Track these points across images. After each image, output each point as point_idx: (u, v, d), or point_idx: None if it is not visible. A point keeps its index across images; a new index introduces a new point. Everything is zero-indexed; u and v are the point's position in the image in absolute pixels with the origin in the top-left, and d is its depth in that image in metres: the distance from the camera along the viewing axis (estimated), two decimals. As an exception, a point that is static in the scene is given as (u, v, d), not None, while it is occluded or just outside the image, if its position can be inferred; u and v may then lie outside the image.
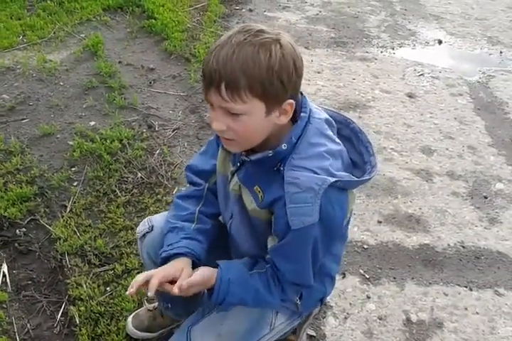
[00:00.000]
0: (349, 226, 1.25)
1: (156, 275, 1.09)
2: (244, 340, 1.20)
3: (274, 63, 0.95)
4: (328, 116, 1.13)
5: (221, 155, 1.22)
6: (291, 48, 0.98)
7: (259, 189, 1.09)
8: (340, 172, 1.04)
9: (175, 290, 1.07)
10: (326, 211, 1.02)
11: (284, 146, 1.04)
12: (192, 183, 1.33)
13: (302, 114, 1.06)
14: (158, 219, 1.35)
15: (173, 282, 1.10)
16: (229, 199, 1.21)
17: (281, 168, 1.04)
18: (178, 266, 1.14)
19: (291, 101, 1.02)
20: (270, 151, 1.04)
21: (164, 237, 1.24)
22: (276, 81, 0.96)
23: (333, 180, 1.01)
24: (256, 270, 1.14)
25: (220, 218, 1.34)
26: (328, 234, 1.08)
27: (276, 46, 0.96)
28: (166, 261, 1.18)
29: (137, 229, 1.38)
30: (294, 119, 1.07)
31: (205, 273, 1.12)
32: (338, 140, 1.11)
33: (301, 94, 1.09)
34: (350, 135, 1.18)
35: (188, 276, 1.11)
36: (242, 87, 0.95)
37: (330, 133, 1.10)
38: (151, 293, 1.07)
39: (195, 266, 1.18)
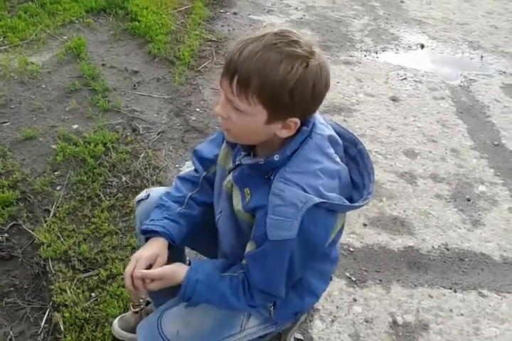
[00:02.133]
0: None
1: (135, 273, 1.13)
2: (211, 333, 1.20)
3: (291, 79, 0.92)
4: (333, 133, 1.12)
5: (224, 149, 1.23)
6: (317, 71, 0.94)
7: (248, 191, 1.09)
8: (331, 194, 1.02)
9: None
10: (308, 229, 1.01)
11: (276, 157, 1.03)
12: (195, 168, 1.35)
13: (304, 128, 1.04)
14: (156, 190, 1.38)
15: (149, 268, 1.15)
16: (222, 194, 1.22)
17: (272, 178, 1.04)
18: (153, 251, 1.17)
19: (296, 120, 0.99)
20: (261, 160, 1.04)
21: (152, 210, 1.28)
22: (286, 96, 0.94)
23: (318, 200, 0.99)
24: (228, 273, 1.15)
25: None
26: (306, 251, 1.07)
27: (302, 64, 0.93)
28: (144, 233, 1.23)
29: (136, 196, 1.41)
30: (297, 130, 1.05)
31: (168, 270, 1.14)
32: (338, 159, 1.09)
33: None
34: (356, 155, 1.16)
35: (161, 265, 1.15)
36: (252, 88, 0.93)
37: (330, 151, 1.08)
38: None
39: (171, 248, 1.22)
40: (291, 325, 1.40)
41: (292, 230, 1.00)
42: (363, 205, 1.09)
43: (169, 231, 1.22)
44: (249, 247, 1.11)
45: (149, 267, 1.15)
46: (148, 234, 1.22)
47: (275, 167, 1.04)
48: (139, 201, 1.38)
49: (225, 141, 1.23)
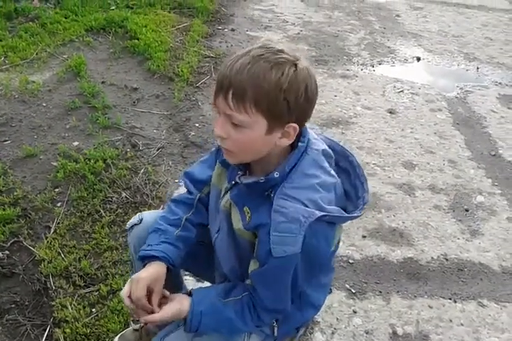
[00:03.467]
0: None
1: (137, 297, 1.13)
2: None
3: (284, 82, 0.96)
4: (326, 147, 1.14)
5: (218, 169, 1.24)
6: (306, 73, 0.99)
7: (247, 210, 1.10)
8: (330, 207, 1.05)
9: (146, 320, 1.13)
10: (310, 243, 1.03)
11: (276, 174, 1.05)
12: (187, 189, 1.34)
13: (300, 144, 1.07)
14: (148, 214, 1.37)
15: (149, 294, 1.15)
16: (218, 213, 1.22)
17: (272, 195, 1.05)
18: (153, 275, 1.16)
19: (295, 125, 1.02)
20: (262, 178, 1.06)
21: (148, 235, 1.27)
22: (283, 100, 0.97)
23: (320, 214, 1.01)
24: (232, 298, 1.15)
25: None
26: (310, 265, 1.09)
27: (291, 68, 0.97)
28: (142, 259, 1.22)
29: (128, 222, 1.40)
30: (294, 145, 1.08)
31: (172, 309, 1.13)
32: (333, 172, 1.12)
33: None
34: (347, 167, 1.19)
35: (159, 293, 1.15)
36: (248, 98, 0.96)
37: (326, 165, 1.10)
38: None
39: (169, 271, 1.21)
40: (291, 339, 1.40)
41: (296, 245, 1.02)
42: (360, 215, 1.12)
43: (168, 255, 1.20)
44: (253, 266, 1.12)
45: (148, 294, 1.14)
46: (146, 260, 1.21)
47: (275, 184, 1.06)
48: (132, 227, 1.36)
49: (217, 161, 1.24)
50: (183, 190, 1.38)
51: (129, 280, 1.17)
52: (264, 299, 1.12)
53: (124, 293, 1.14)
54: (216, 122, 1.04)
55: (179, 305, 1.14)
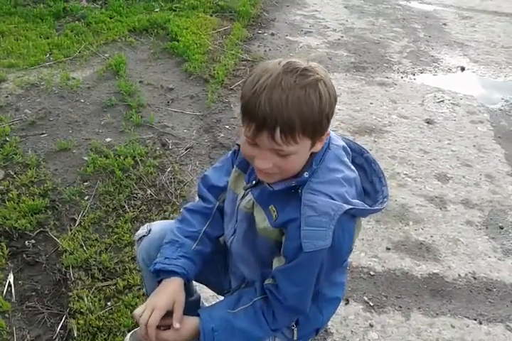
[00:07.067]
0: (354, 252, 1.23)
1: (151, 325, 1.10)
2: None
3: (325, 105, 0.97)
4: (344, 144, 1.15)
5: (234, 174, 1.23)
6: (332, 87, 1.00)
7: (273, 208, 1.09)
8: (355, 200, 1.06)
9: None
10: (337, 237, 1.03)
11: (306, 174, 1.05)
12: (202, 197, 1.32)
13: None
14: (157, 224, 1.36)
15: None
16: (234, 216, 1.21)
17: (299, 191, 1.05)
18: (170, 299, 1.14)
19: (329, 131, 1.05)
20: (293, 182, 1.05)
21: (162, 246, 1.24)
22: (325, 120, 0.99)
23: (348, 207, 1.02)
24: (241, 307, 1.13)
25: (221, 238, 1.34)
26: (333, 260, 1.08)
27: (322, 85, 0.96)
28: (158, 272, 1.19)
29: (136, 232, 1.39)
30: None
31: (186, 328, 1.12)
32: (353, 167, 1.12)
33: None
34: (363, 164, 1.19)
35: (179, 313, 1.12)
36: (297, 130, 0.95)
37: (346, 160, 1.12)
38: None
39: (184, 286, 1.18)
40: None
41: (327, 239, 1.02)
42: (382, 209, 1.11)
43: (188, 271, 1.19)
44: (277, 263, 1.10)
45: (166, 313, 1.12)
46: (162, 274, 1.18)
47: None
48: (141, 238, 1.33)
49: (235, 166, 1.22)
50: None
51: (145, 303, 1.13)
52: (288, 297, 1.10)
53: (143, 320, 1.10)
54: (256, 154, 1.01)
55: (189, 325, 1.12)
